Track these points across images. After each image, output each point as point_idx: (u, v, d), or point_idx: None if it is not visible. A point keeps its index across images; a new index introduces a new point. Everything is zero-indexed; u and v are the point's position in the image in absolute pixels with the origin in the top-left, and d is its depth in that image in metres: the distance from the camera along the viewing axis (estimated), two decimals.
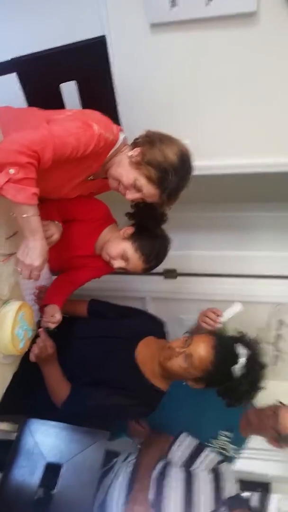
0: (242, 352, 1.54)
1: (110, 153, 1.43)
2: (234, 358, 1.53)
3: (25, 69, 1.55)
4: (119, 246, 1.64)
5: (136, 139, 1.46)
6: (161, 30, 1.68)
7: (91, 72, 1.60)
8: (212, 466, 1.69)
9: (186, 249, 2.68)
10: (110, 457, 1.85)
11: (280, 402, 1.89)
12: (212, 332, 1.63)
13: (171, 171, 1.36)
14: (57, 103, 1.65)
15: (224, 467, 1.68)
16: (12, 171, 1.14)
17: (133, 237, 1.63)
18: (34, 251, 1.27)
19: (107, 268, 1.78)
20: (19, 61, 1.52)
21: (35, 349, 1.55)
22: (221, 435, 1.91)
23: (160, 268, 2.67)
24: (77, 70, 1.59)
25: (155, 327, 1.87)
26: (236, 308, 1.74)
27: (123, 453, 1.86)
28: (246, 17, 1.61)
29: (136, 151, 1.40)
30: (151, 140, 1.39)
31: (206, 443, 1.85)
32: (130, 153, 1.41)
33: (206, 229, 2.68)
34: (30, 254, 1.28)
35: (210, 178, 1.97)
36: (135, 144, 1.44)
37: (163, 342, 1.75)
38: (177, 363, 1.56)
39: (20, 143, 1.17)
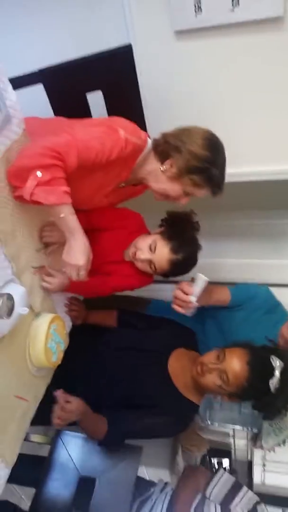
0: (276, 364, 1.48)
1: (138, 159, 1.40)
2: (269, 372, 1.46)
3: (51, 80, 1.55)
4: (148, 238, 1.61)
5: (156, 146, 1.42)
6: (187, 37, 1.66)
7: (117, 81, 1.59)
8: (251, 507, 1.66)
9: (214, 257, 2.64)
10: (146, 486, 1.85)
11: None
12: (245, 345, 1.57)
13: (210, 165, 1.34)
14: (84, 112, 1.64)
15: (262, 508, 1.66)
16: (39, 174, 1.13)
17: (163, 232, 1.61)
18: (77, 250, 1.27)
19: (139, 278, 1.73)
20: (45, 72, 1.53)
21: (55, 419, 1.43)
22: None
23: (188, 276, 2.68)
24: (103, 79, 1.58)
25: (185, 337, 1.83)
26: (202, 282, 1.56)
27: (159, 483, 1.85)
28: (273, 22, 1.58)
29: (168, 164, 1.37)
30: (175, 146, 1.35)
31: None
32: (162, 168, 1.38)
33: (238, 236, 2.64)
34: (73, 254, 1.27)
35: (240, 186, 1.93)
36: (159, 154, 1.40)
37: (194, 355, 1.71)
38: (211, 380, 1.51)
39: (43, 146, 1.16)
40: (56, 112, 1.65)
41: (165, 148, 1.38)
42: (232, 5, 1.54)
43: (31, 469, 1.90)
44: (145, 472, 2.81)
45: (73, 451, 1.70)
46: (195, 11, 1.58)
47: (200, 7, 1.57)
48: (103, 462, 1.68)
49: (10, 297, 0.92)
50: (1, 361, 1.18)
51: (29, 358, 1.32)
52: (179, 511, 1.61)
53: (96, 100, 1.65)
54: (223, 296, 1.80)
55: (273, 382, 1.45)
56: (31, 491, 1.72)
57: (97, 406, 1.63)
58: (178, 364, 1.66)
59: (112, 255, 1.71)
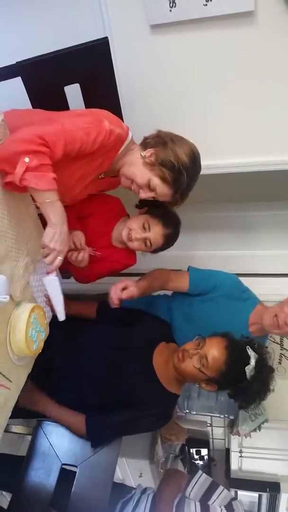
0: (252, 354, 1.55)
1: (120, 150, 1.45)
2: (246, 359, 1.54)
3: (29, 73, 1.56)
4: (139, 218, 1.70)
5: (146, 139, 1.48)
6: (162, 31, 1.70)
7: (94, 74, 1.61)
8: (226, 502, 1.75)
9: (189, 249, 2.69)
10: (128, 489, 1.94)
11: None
12: (224, 334, 1.65)
13: (184, 171, 1.41)
14: (62, 105, 1.66)
15: (236, 504, 1.74)
16: (27, 159, 1.15)
17: (149, 211, 1.71)
18: (61, 236, 1.29)
19: (124, 261, 1.83)
20: (23, 65, 1.53)
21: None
22: None
23: (167, 268, 2.71)
24: (81, 72, 1.60)
25: (164, 331, 1.88)
26: (49, 282, 1.44)
27: (139, 487, 1.94)
28: (245, 17, 1.63)
29: (149, 151, 1.43)
30: (163, 141, 1.42)
31: None
32: (143, 153, 1.44)
33: (209, 229, 2.70)
34: (57, 239, 1.29)
35: (212, 178, 1.98)
36: (146, 144, 1.46)
37: (174, 346, 1.77)
38: (191, 364, 1.58)
39: (32, 133, 1.18)
40: (34, 106, 1.65)
41: (153, 140, 1.44)
42: (206, 0, 1.58)
43: (7, 472, 1.93)
44: (125, 462, 2.86)
45: (54, 440, 1.71)
46: (170, 6, 1.62)
47: (174, 1, 1.61)
48: (84, 450, 1.71)
49: None
50: None
51: (10, 346, 1.33)
52: (161, 510, 1.68)
53: (73, 93, 1.67)
54: (181, 283, 1.91)
55: (249, 369, 1.52)
56: None
57: (80, 403, 1.67)
58: (161, 359, 1.71)
59: (100, 241, 1.77)
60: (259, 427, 2.57)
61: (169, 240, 1.74)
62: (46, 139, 1.19)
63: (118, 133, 1.38)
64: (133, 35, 1.71)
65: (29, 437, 1.77)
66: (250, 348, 1.57)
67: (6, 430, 1.79)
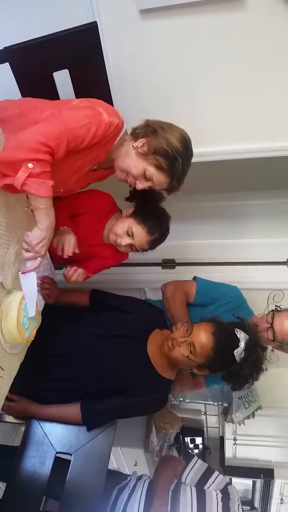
0: (242, 336, 1.56)
1: (116, 140, 1.44)
2: (234, 342, 1.55)
3: (18, 58, 1.53)
4: (124, 224, 1.69)
5: (135, 129, 1.47)
6: (151, 15, 1.67)
7: (83, 60, 1.59)
8: (222, 487, 1.77)
9: (183, 239, 2.69)
10: (123, 476, 1.99)
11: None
12: (211, 319, 1.65)
13: (178, 157, 1.40)
14: (51, 92, 1.64)
15: (231, 489, 1.76)
16: (30, 165, 1.17)
17: (135, 213, 1.69)
18: (48, 242, 1.33)
19: (116, 257, 1.84)
20: (11, 50, 1.51)
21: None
22: None
23: (158, 258, 2.72)
24: (70, 57, 1.58)
25: (157, 318, 1.88)
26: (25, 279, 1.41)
27: (134, 474, 1.98)
28: (234, 1, 1.61)
29: (141, 141, 1.42)
30: (153, 130, 1.42)
31: None
32: (135, 144, 1.43)
33: (203, 218, 2.70)
34: (44, 244, 1.32)
35: (204, 167, 1.97)
36: (136, 135, 1.45)
37: (167, 332, 1.78)
38: (180, 352, 1.60)
39: (36, 140, 1.19)
40: (24, 92, 1.63)
41: (143, 130, 1.44)
42: None
43: (2, 462, 1.93)
44: (120, 451, 2.87)
45: (48, 429, 1.71)
46: None
47: None
48: (78, 438, 1.71)
49: None
50: None
51: (1, 334, 1.32)
52: (159, 494, 1.69)
53: (62, 79, 1.65)
54: (190, 290, 2.01)
55: (238, 352, 1.53)
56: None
57: (75, 391, 1.69)
58: (155, 346, 1.73)
59: (92, 239, 1.78)
60: (253, 414, 2.60)
61: (156, 243, 1.74)
62: (51, 145, 1.20)
63: (116, 124, 1.38)
64: (122, 20, 1.68)
65: (23, 429, 1.78)
66: (239, 330, 1.58)
67: (0, 420, 1.80)
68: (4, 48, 1.51)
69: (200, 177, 2.43)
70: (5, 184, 1.22)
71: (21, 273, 1.38)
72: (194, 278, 2.10)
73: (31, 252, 1.33)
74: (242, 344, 1.54)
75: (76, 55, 1.58)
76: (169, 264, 2.71)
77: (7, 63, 1.55)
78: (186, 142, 1.44)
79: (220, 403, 2.77)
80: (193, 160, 1.51)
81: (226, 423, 2.82)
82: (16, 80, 1.60)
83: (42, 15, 1.68)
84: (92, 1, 1.63)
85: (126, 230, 1.68)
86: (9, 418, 1.78)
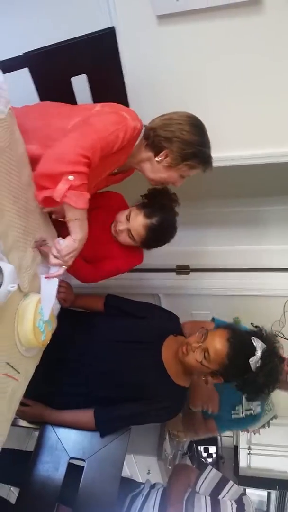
0: (258, 345, 1.53)
1: (136, 143, 1.45)
2: (250, 350, 1.52)
3: (37, 64, 1.56)
4: (126, 210, 1.70)
5: (147, 140, 1.48)
6: (168, 21, 1.67)
7: (101, 65, 1.60)
8: (237, 497, 1.75)
9: (198, 244, 2.69)
10: (137, 484, 1.97)
11: None
12: (227, 326, 1.63)
13: (202, 146, 1.43)
14: (69, 97, 1.65)
15: (246, 499, 1.74)
16: (71, 177, 1.19)
17: (139, 203, 1.70)
18: (75, 253, 1.35)
19: (127, 258, 1.81)
20: (30, 56, 1.53)
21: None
22: (244, 399, 2.02)
23: (173, 264, 2.71)
24: (88, 62, 1.59)
25: (172, 324, 1.87)
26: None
27: (147, 482, 1.96)
28: (252, 5, 1.60)
29: (163, 155, 1.45)
30: (165, 138, 1.43)
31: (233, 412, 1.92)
32: (158, 159, 1.46)
33: (218, 224, 2.69)
34: (73, 255, 1.35)
35: (222, 172, 1.96)
36: (152, 147, 1.47)
37: (181, 339, 1.76)
38: (194, 357, 1.58)
39: (76, 153, 1.21)
40: (42, 96, 1.65)
41: (156, 140, 1.45)
42: None
43: (15, 467, 1.92)
44: (133, 459, 2.84)
45: (62, 434, 1.70)
46: None
47: None
48: (92, 444, 1.70)
49: None
50: None
51: (17, 337, 1.32)
52: (171, 503, 1.69)
53: (80, 84, 1.66)
54: None
55: (254, 360, 1.50)
56: None
57: (88, 396, 1.67)
58: (169, 352, 1.71)
59: (102, 235, 1.76)
60: (268, 423, 2.54)
61: (154, 232, 1.65)
62: (89, 156, 1.23)
63: (139, 127, 1.41)
64: (140, 26, 1.69)
65: (37, 433, 1.77)
66: (256, 339, 1.55)
67: (14, 424, 1.77)
68: (24, 53, 1.53)
69: (217, 182, 2.43)
70: (44, 197, 1.25)
71: (45, 277, 1.38)
72: (213, 319, 2.08)
73: (58, 260, 1.35)
74: (258, 353, 1.51)
75: (94, 60, 1.59)
76: (183, 270, 2.70)
77: (26, 68, 1.57)
78: (199, 128, 1.46)
79: None
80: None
81: (240, 432, 2.78)
82: (35, 85, 1.62)
83: (61, 20, 1.70)
84: (110, 7, 1.64)
85: (126, 215, 1.68)
86: (23, 423, 1.77)
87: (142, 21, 1.68)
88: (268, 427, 2.56)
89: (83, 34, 1.53)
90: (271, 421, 2.54)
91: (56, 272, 1.38)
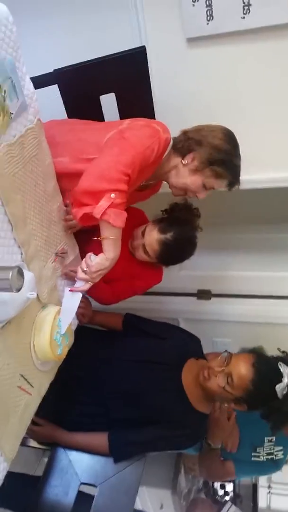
0: (286, 371, 1.46)
1: (164, 155, 1.43)
2: (277, 377, 1.45)
3: (66, 81, 1.59)
4: (143, 225, 1.67)
5: (176, 144, 1.46)
6: (198, 44, 1.70)
7: (130, 84, 1.62)
8: None
9: (221, 269, 2.64)
10: None
11: None
12: (252, 351, 1.57)
13: (231, 157, 1.40)
14: (97, 114, 1.67)
15: None
16: (113, 195, 1.19)
17: (156, 218, 1.67)
18: (104, 271, 1.33)
19: (146, 277, 1.76)
20: (61, 72, 1.56)
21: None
22: (266, 441, 1.88)
23: (194, 288, 2.66)
24: (117, 81, 1.61)
25: (194, 347, 1.81)
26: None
27: None
28: (282, 29, 1.62)
29: (190, 157, 1.42)
30: (197, 141, 1.41)
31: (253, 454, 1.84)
32: (184, 161, 1.43)
33: (242, 249, 2.64)
34: (102, 273, 1.33)
35: (245, 196, 1.93)
36: (181, 150, 1.44)
37: (203, 363, 1.69)
38: (216, 382, 1.51)
39: (119, 170, 1.22)
40: (70, 113, 1.67)
41: (186, 143, 1.43)
42: (243, 13, 1.58)
43: (23, 493, 1.85)
44: (145, 491, 2.71)
45: (74, 456, 1.64)
46: (207, 19, 1.62)
47: (212, 14, 1.61)
48: (105, 469, 1.62)
49: (20, 271, 0.91)
50: (7, 347, 1.15)
51: (33, 349, 1.29)
52: None
53: (108, 102, 1.68)
54: None
55: (280, 387, 1.43)
56: None
57: (104, 417, 1.61)
58: (190, 376, 1.64)
59: (121, 255, 1.71)
60: None
61: (169, 248, 1.59)
62: (129, 173, 1.23)
63: (169, 139, 1.40)
64: (169, 47, 1.71)
65: (46, 459, 1.71)
66: (283, 364, 1.48)
67: (23, 444, 1.72)
68: (54, 70, 1.56)
69: (240, 208, 2.41)
70: (84, 214, 1.25)
71: (69, 290, 1.37)
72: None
73: (86, 276, 1.33)
74: (286, 380, 1.44)
75: (124, 79, 1.61)
76: (204, 294, 2.64)
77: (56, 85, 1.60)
78: (232, 138, 1.43)
79: None
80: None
81: None
82: (64, 102, 1.64)
83: (92, 38, 1.74)
84: (141, 27, 1.68)
85: (142, 230, 1.65)
86: (33, 443, 1.72)
87: (172, 42, 1.71)
88: None
89: (114, 52, 1.56)
90: None
91: (82, 287, 1.36)
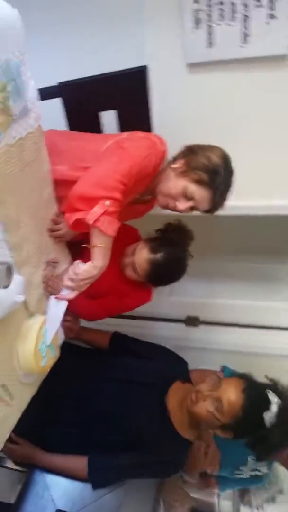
0: (274, 400, 1.41)
1: (161, 167, 1.43)
2: (266, 404, 1.40)
3: (69, 94, 1.61)
4: (135, 244, 1.64)
5: (175, 155, 1.47)
6: (198, 69, 1.74)
7: (130, 101, 1.64)
8: None
9: (210, 297, 2.62)
10: None
11: None
12: (243, 375, 1.52)
13: (218, 170, 1.36)
14: (96, 130, 1.68)
15: None
16: (107, 203, 1.18)
17: (150, 238, 1.64)
18: (91, 280, 1.30)
19: (135, 296, 1.73)
20: (65, 86, 1.58)
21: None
22: (250, 459, 1.85)
23: (183, 314, 2.63)
24: (117, 98, 1.64)
25: (180, 368, 1.76)
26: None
27: None
28: (278, 60, 1.67)
29: (180, 162, 1.40)
30: (192, 149, 1.41)
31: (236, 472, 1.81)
32: (174, 166, 1.41)
33: (232, 278, 2.65)
34: (88, 282, 1.30)
35: (239, 224, 1.94)
36: (174, 158, 1.45)
37: (190, 387, 1.63)
38: (204, 407, 1.44)
39: (116, 179, 1.21)
40: (71, 126, 1.69)
41: (182, 152, 1.43)
42: (241, 42, 1.64)
43: None
44: None
45: (52, 479, 1.55)
46: (208, 46, 1.68)
47: (212, 42, 1.67)
48: (82, 496, 1.54)
49: (10, 268, 0.87)
50: None
51: (17, 360, 1.24)
52: None
53: (108, 119, 1.70)
54: None
55: (268, 416, 1.38)
56: None
57: (83, 438, 1.54)
58: (175, 399, 1.58)
59: (110, 271, 1.68)
60: (273, 498, 2.31)
61: (159, 268, 1.56)
62: (126, 182, 1.23)
63: (166, 152, 1.42)
64: (170, 70, 1.75)
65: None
66: (272, 392, 1.44)
67: (0, 465, 1.64)
68: (59, 83, 1.59)
69: (231, 237, 2.43)
70: (77, 220, 1.23)
71: (54, 297, 1.33)
72: (222, 368, 1.99)
73: (73, 283, 1.30)
74: (274, 408, 1.39)
75: (124, 97, 1.64)
76: (193, 321, 2.61)
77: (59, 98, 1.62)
78: (226, 158, 1.40)
79: None
80: (226, 212, 1.48)
81: (241, 506, 2.52)
82: (66, 115, 1.66)
83: (96, 55, 1.77)
84: (143, 49, 1.72)
85: (133, 248, 1.62)
86: (9, 463, 1.62)
87: (173, 66, 1.74)
88: (273, 502, 2.33)
89: (116, 70, 1.59)
90: (276, 495, 2.32)
91: (68, 295, 1.32)
